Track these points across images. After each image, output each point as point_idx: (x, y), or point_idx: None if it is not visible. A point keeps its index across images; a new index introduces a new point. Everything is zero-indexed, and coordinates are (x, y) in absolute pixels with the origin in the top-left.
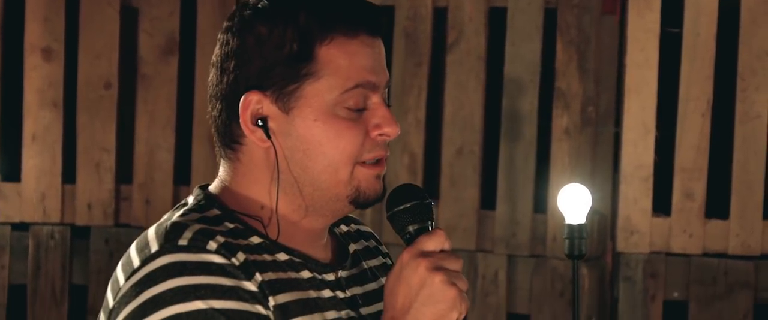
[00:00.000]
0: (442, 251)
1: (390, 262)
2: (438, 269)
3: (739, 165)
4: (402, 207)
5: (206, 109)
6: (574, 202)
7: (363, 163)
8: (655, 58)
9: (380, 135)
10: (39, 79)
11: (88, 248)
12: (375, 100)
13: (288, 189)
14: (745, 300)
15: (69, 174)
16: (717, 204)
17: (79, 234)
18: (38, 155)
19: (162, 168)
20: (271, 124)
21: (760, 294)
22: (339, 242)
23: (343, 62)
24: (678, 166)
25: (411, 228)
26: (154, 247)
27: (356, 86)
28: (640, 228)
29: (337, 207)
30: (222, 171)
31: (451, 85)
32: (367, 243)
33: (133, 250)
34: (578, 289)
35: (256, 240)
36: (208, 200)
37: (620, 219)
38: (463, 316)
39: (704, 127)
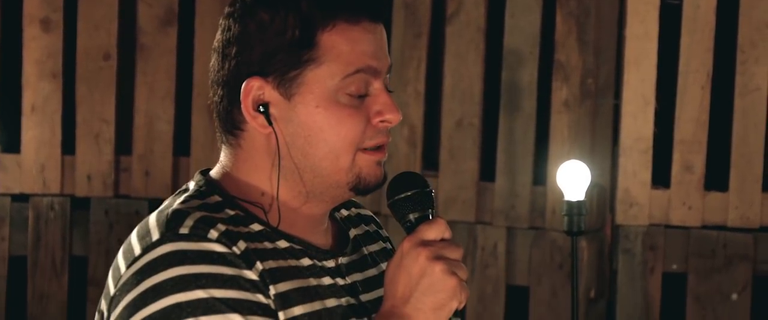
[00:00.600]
0: (442, 240)
1: (390, 246)
2: (438, 258)
3: (739, 138)
4: (403, 195)
5: (206, 80)
6: (573, 179)
7: (364, 150)
8: (655, 30)
9: (382, 121)
10: (38, 50)
11: (88, 219)
12: (377, 86)
13: (289, 176)
14: (743, 273)
15: (68, 146)
16: (716, 177)
17: (79, 205)
18: (38, 126)
19: (161, 139)
20: (272, 110)
21: (759, 266)
22: (339, 227)
23: (344, 48)
24: (677, 139)
25: (412, 217)
26: (155, 235)
27: (358, 71)
28: (639, 200)
29: (337, 193)
30: (223, 156)
31: (451, 57)
32: (367, 228)
33: (134, 237)
34: (577, 265)
35: (256, 227)
36: (209, 186)
37: (619, 192)
38: (462, 305)
39: (704, 100)
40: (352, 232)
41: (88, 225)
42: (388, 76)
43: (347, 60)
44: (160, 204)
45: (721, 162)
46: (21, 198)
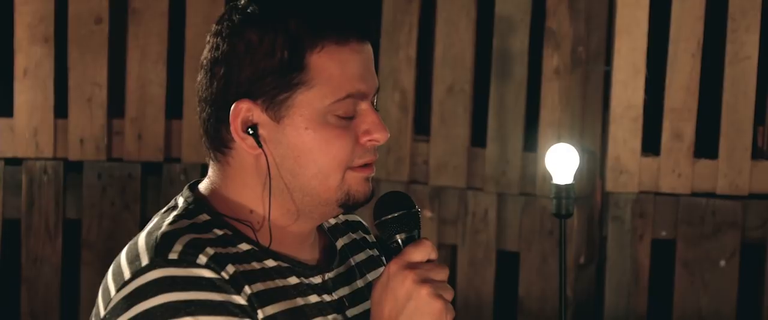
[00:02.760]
0: (428, 261)
1: (377, 254)
2: (425, 281)
3: (729, 106)
4: (390, 216)
5: (197, 43)
6: (561, 163)
7: (353, 167)
8: None
9: (370, 141)
10: (29, 15)
11: (81, 182)
12: (364, 106)
13: (278, 195)
14: (732, 239)
15: (61, 110)
16: (706, 145)
17: (72, 168)
18: (30, 90)
19: (154, 102)
20: (261, 132)
21: (747, 233)
22: (327, 238)
23: (334, 71)
24: (667, 107)
25: (398, 238)
26: (144, 260)
27: (347, 96)
28: (629, 168)
29: (326, 210)
30: (211, 172)
31: (442, 23)
32: (354, 236)
33: (123, 259)
34: (565, 248)
35: (244, 246)
36: (198, 204)
37: (609, 160)
38: None
39: (694, 68)
40: (340, 243)
41: (81, 189)
42: (375, 97)
43: (337, 84)
44: (153, 167)
45: (710, 130)
46: (14, 162)
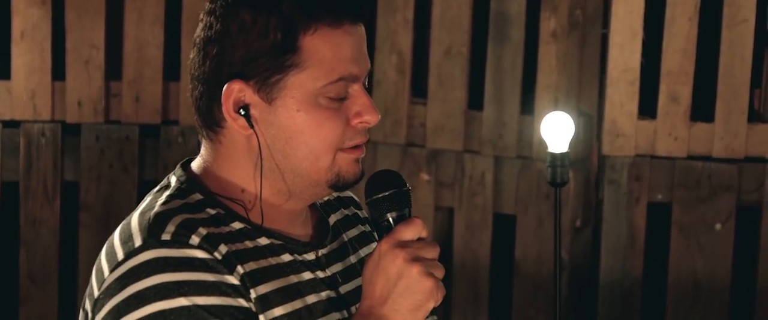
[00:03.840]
0: (419, 239)
1: (369, 229)
2: (415, 260)
3: (725, 70)
4: (381, 195)
5: (195, 5)
6: (557, 131)
7: (343, 149)
8: None
9: (361, 122)
10: None
11: (79, 145)
12: (356, 88)
13: (269, 175)
14: (727, 202)
15: (58, 72)
16: (702, 108)
17: (70, 131)
18: (27, 53)
19: (151, 64)
20: (253, 112)
21: (743, 196)
22: (319, 215)
23: (327, 54)
24: (664, 70)
25: (389, 216)
26: (137, 241)
27: (340, 79)
28: (625, 131)
29: (317, 191)
30: (203, 150)
31: None
32: (346, 212)
33: (117, 239)
34: (560, 214)
35: (237, 225)
36: (190, 183)
37: (606, 123)
38: (439, 303)
39: (691, 31)
40: (332, 219)
41: (79, 151)
42: (367, 78)
43: (330, 67)
44: (151, 129)
45: (707, 93)
46: (12, 124)
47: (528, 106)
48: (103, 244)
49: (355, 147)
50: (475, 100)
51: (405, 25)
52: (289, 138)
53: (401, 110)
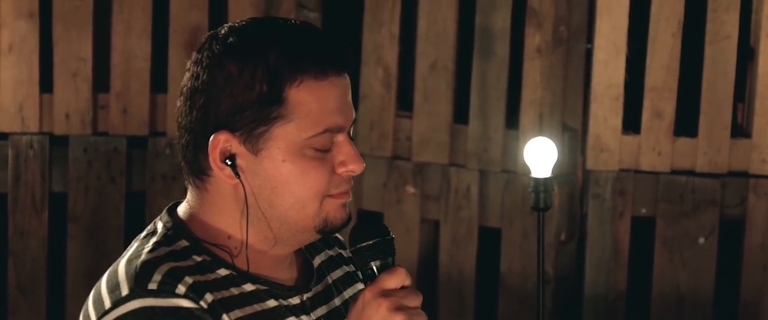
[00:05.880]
0: (402, 288)
1: (353, 270)
2: (399, 309)
3: (708, 85)
4: (365, 244)
5: (182, 17)
6: (540, 156)
7: (330, 195)
8: None
9: (346, 171)
10: None
11: (67, 156)
12: (341, 138)
13: (256, 223)
14: (711, 217)
15: (46, 84)
16: (686, 123)
17: (58, 142)
18: (15, 66)
19: (139, 76)
20: (239, 162)
21: (726, 210)
22: (304, 257)
23: (312, 106)
24: (648, 86)
25: (373, 265)
26: (124, 290)
27: (325, 131)
28: (609, 146)
29: (303, 237)
30: (190, 196)
31: (425, 0)
32: (330, 252)
33: (104, 287)
34: (543, 239)
35: (223, 272)
36: (177, 229)
37: (590, 138)
38: None
39: (674, 47)
40: (317, 260)
41: (67, 163)
42: (352, 127)
43: (315, 119)
44: (138, 141)
45: (690, 108)
46: (0, 136)
47: (513, 120)
48: (91, 255)
49: (342, 192)
50: (461, 114)
51: (391, 40)
52: (275, 187)
53: (387, 123)
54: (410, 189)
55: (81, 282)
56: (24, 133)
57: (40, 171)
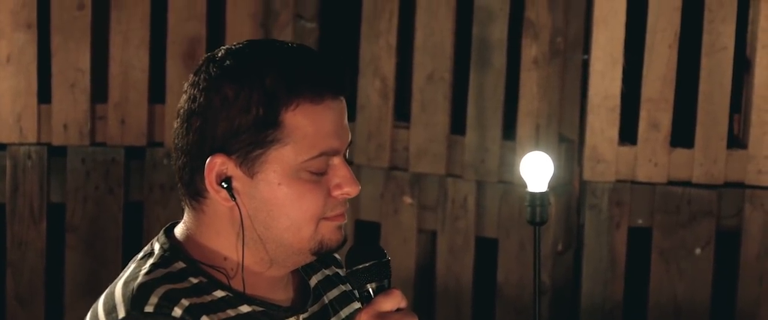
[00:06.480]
0: (398, 310)
1: (349, 289)
2: None
3: (705, 96)
4: (361, 266)
5: (180, 28)
6: (536, 170)
7: (325, 217)
8: None
9: (341, 194)
10: (12, 1)
11: (65, 167)
12: (336, 161)
13: (252, 245)
14: (707, 228)
15: (44, 95)
16: (682, 134)
17: (56, 153)
18: (13, 77)
19: (136, 87)
20: (235, 185)
21: (722, 221)
22: (300, 277)
23: (309, 130)
24: (644, 97)
25: (369, 287)
26: (121, 312)
27: (321, 154)
28: (606, 157)
29: (299, 259)
30: (186, 217)
31: (422, 11)
32: (327, 272)
33: (101, 309)
34: (539, 254)
35: (219, 293)
36: (173, 251)
37: (587, 149)
38: None
39: (671, 58)
40: (313, 280)
41: (65, 173)
42: (347, 150)
43: (311, 142)
44: (136, 152)
45: (687, 119)
46: None
47: (510, 131)
48: (90, 265)
49: (337, 215)
50: (458, 124)
51: (388, 50)
52: (270, 210)
53: (384, 134)
54: (407, 200)
55: (79, 292)
56: (22, 144)
57: (38, 182)
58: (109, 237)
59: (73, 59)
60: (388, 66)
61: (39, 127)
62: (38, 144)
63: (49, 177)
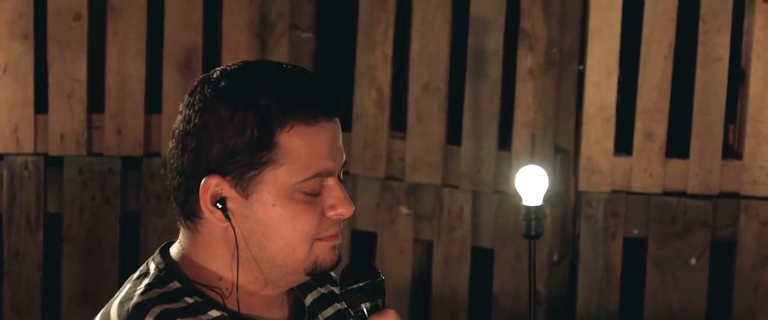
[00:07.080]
0: None
1: (344, 307)
2: None
3: (700, 107)
4: (356, 286)
5: (176, 38)
6: (531, 184)
7: (319, 238)
8: (619, 0)
9: (336, 215)
10: (9, 11)
11: (62, 177)
12: (330, 182)
13: (246, 265)
14: (702, 238)
15: (41, 105)
16: (677, 145)
17: (53, 163)
18: (10, 87)
19: (133, 97)
20: (229, 205)
21: (717, 232)
22: (295, 296)
23: (303, 151)
24: (640, 107)
25: (363, 307)
26: None
27: (315, 175)
28: (601, 168)
29: (293, 279)
30: (182, 237)
31: (418, 22)
32: (322, 290)
33: None
34: (534, 266)
35: (214, 313)
36: (169, 270)
37: (582, 159)
38: None
39: (666, 69)
40: (308, 299)
41: (61, 183)
42: (342, 170)
43: (306, 163)
44: (133, 162)
45: (682, 130)
46: None
47: (505, 141)
48: (86, 275)
49: (331, 235)
50: (454, 135)
51: (384, 61)
52: (265, 231)
53: (380, 144)
54: (403, 210)
55: (76, 302)
56: (19, 154)
57: (35, 192)
58: (106, 247)
59: (69, 69)
60: (384, 76)
61: (36, 137)
62: (35, 154)
63: (46, 188)
